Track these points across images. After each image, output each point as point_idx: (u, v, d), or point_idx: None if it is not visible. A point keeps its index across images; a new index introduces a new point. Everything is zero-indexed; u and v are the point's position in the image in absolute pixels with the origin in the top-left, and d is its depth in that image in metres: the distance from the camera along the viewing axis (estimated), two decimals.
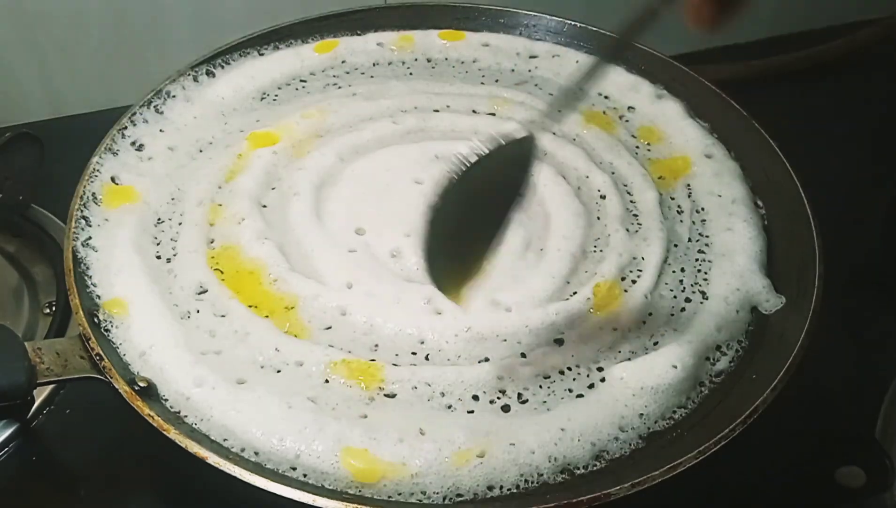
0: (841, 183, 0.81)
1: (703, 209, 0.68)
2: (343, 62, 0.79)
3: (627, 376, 0.55)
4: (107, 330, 0.56)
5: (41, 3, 0.81)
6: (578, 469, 0.52)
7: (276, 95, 0.76)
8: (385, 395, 0.54)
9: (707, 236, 0.66)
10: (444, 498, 0.50)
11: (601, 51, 0.78)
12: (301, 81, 0.77)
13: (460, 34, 0.81)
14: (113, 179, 0.65)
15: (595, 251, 0.64)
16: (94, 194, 0.63)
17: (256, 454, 0.51)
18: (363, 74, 0.78)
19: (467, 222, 0.49)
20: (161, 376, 0.54)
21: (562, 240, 0.63)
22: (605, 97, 0.77)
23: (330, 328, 0.58)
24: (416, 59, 0.80)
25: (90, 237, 0.61)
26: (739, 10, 0.47)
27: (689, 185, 0.70)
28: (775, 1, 1.00)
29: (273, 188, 0.67)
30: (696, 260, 0.65)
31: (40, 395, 0.62)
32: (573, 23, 0.80)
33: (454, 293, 0.51)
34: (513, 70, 0.79)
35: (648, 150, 0.73)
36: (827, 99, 0.91)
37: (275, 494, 0.48)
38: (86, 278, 0.59)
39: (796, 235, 0.64)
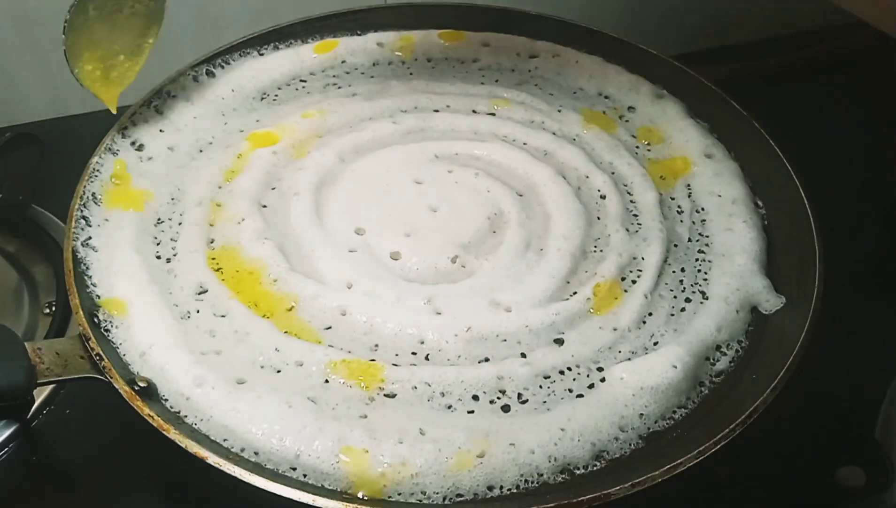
0: (841, 183, 0.81)
1: (703, 209, 0.68)
2: (343, 62, 0.79)
3: (627, 376, 0.55)
4: (107, 330, 0.56)
5: (41, 3, 0.81)
6: (578, 469, 0.52)
7: (276, 96, 0.76)
8: (385, 395, 0.54)
9: (707, 236, 0.66)
10: (444, 498, 0.50)
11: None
12: (301, 81, 0.77)
13: (460, 34, 0.81)
14: (113, 179, 0.65)
15: (595, 251, 0.64)
16: (94, 193, 0.63)
17: (256, 454, 0.51)
18: (363, 74, 0.78)
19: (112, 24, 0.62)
20: (161, 376, 0.54)
21: (562, 240, 0.63)
22: (605, 97, 0.77)
23: (330, 327, 0.58)
24: (416, 60, 0.80)
25: (90, 237, 0.61)
26: None
27: (689, 185, 0.70)
28: (775, 1, 1.00)
29: (273, 188, 0.67)
30: (696, 260, 0.65)
31: (40, 395, 0.62)
32: (573, 23, 0.80)
33: (89, 78, 0.63)
34: (513, 70, 0.79)
35: (648, 150, 0.73)
36: (827, 99, 0.91)
37: (275, 494, 0.48)
38: (86, 278, 0.59)
39: (796, 235, 0.64)
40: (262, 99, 0.75)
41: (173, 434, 0.50)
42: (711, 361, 0.58)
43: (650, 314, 0.60)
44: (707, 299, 0.61)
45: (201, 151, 0.70)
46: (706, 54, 0.94)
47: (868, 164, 0.87)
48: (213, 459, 0.49)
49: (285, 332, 0.57)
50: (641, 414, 0.54)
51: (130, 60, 0.66)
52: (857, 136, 0.89)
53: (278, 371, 0.55)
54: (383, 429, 0.51)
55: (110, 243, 0.61)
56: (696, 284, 0.63)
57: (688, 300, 0.62)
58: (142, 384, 0.53)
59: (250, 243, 0.62)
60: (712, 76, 0.76)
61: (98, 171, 0.65)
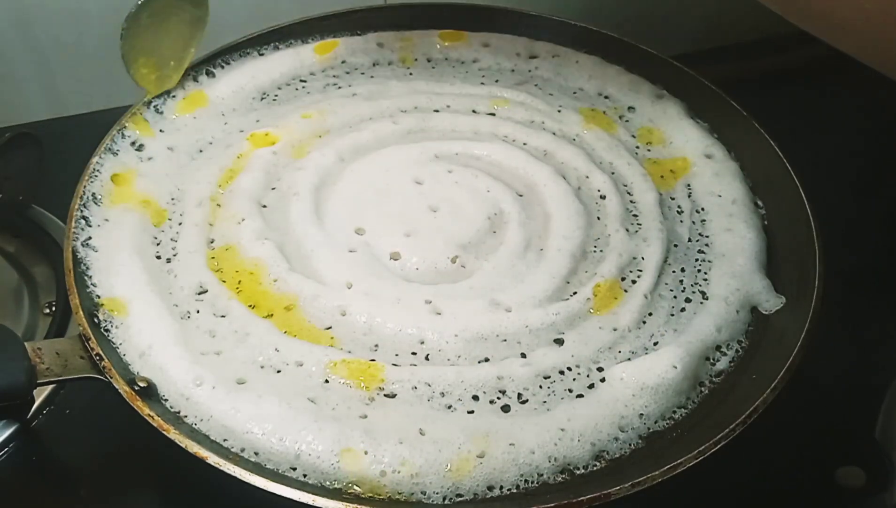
0: (841, 183, 0.81)
1: (703, 209, 0.68)
2: (343, 62, 0.79)
3: (627, 376, 0.55)
4: (107, 330, 0.56)
5: (42, 3, 0.81)
6: (578, 469, 0.52)
7: (276, 96, 0.76)
8: (385, 395, 0.54)
9: (707, 237, 0.66)
10: (444, 498, 0.50)
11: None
12: (301, 81, 0.77)
13: (460, 34, 0.81)
14: (113, 179, 0.65)
15: (595, 251, 0.64)
16: (94, 194, 0.63)
17: (256, 454, 0.51)
18: (363, 74, 0.78)
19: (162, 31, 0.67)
20: (161, 376, 0.54)
21: (562, 240, 0.63)
22: (606, 97, 0.77)
23: (330, 328, 0.58)
24: (416, 60, 0.80)
25: (90, 237, 0.61)
26: None
27: (689, 185, 0.70)
28: None
29: (273, 188, 0.67)
30: (696, 260, 0.65)
31: (40, 395, 0.62)
32: (573, 23, 0.80)
33: (145, 80, 0.68)
34: (513, 70, 0.79)
35: (648, 150, 0.73)
36: (827, 99, 0.91)
37: (275, 494, 0.48)
38: (86, 278, 0.59)
39: (796, 235, 0.64)
40: (262, 99, 0.75)
41: (173, 434, 0.50)
42: (711, 361, 0.58)
43: (650, 314, 0.60)
44: (707, 299, 0.61)
45: (201, 151, 0.70)
46: (706, 54, 0.94)
47: (868, 164, 0.87)
48: (213, 459, 0.49)
49: (285, 332, 0.57)
50: (641, 414, 0.54)
51: (177, 66, 0.70)
52: (857, 136, 0.89)
53: (278, 371, 0.55)
54: (383, 429, 0.51)
55: (110, 244, 0.61)
56: (696, 284, 0.63)
57: (688, 300, 0.62)
58: (142, 384, 0.53)
59: (250, 243, 0.62)
60: (712, 76, 0.76)
61: (98, 171, 0.65)
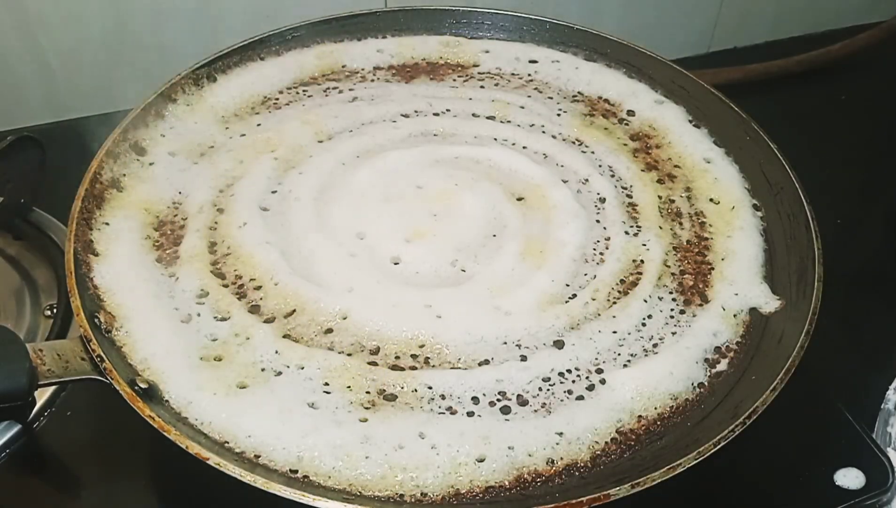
0: (840, 185, 0.82)
1: (702, 213, 0.68)
2: (343, 67, 0.79)
3: (627, 378, 0.55)
4: (108, 332, 0.56)
5: (43, 6, 0.82)
6: (578, 470, 0.52)
7: (277, 100, 0.76)
8: (385, 398, 0.54)
9: (706, 240, 0.66)
10: (444, 500, 0.50)
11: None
12: (302, 85, 0.77)
13: (460, 39, 0.81)
14: (114, 183, 0.65)
15: (595, 254, 0.64)
16: (95, 197, 0.64)
17: (257, 456, 0.51)
18: (363, 78, 0.79)
19: None
20: (162, 378, 0.54)
21: (561, 243, 0.63)
22: (605, 101, 0.78)
23: (331, 331, 0.58)
24: (416, 64, 0.80)
25: (91, 240, 0.61)
26: None
27: (688, 188, 0.70)
28: (775, 6, 1.00)
29: (274, 193, 0.67)
30: (696, 263, 0.65)
31: (41, 397, 0.62)
32: (572, 27, 0.81)
33: None
34: (513, 74, 0.80)
35: (648, 153, 0.73)
36: (826, 102, 0.91)
37: (275, 495, 0.48)
38: (87, 280, 0.59)
39: (796, 237, 0.64)
40: (264, 103, 0.75)
41: (174, 436, 0.50)
42: (711, 362, 0.58)
43: (649, 317, 0.60)
44: (707, 301, 0.62)
45: (203, 155, 0.70)
46: (706, 58, 0.95)
47: (868, 164, 0.88)
48: (213, 460, 0.49)
49: (286, 336, 0.57)
50: (640, 416, 0.54)
51: None
52: (857, 137, 0.89)
53: (279, 375, 0.55)
54: (383, 432, 0.51)
55: (111, 247, 0.61)
56: (695, 286, 0.63)
57: (687, 303, 0.62)
58: (143, 386, 0.53)
59: (252, 247, 0.62)
60: (712, 80, 0.76)
61: (99, 174, 0.65)
